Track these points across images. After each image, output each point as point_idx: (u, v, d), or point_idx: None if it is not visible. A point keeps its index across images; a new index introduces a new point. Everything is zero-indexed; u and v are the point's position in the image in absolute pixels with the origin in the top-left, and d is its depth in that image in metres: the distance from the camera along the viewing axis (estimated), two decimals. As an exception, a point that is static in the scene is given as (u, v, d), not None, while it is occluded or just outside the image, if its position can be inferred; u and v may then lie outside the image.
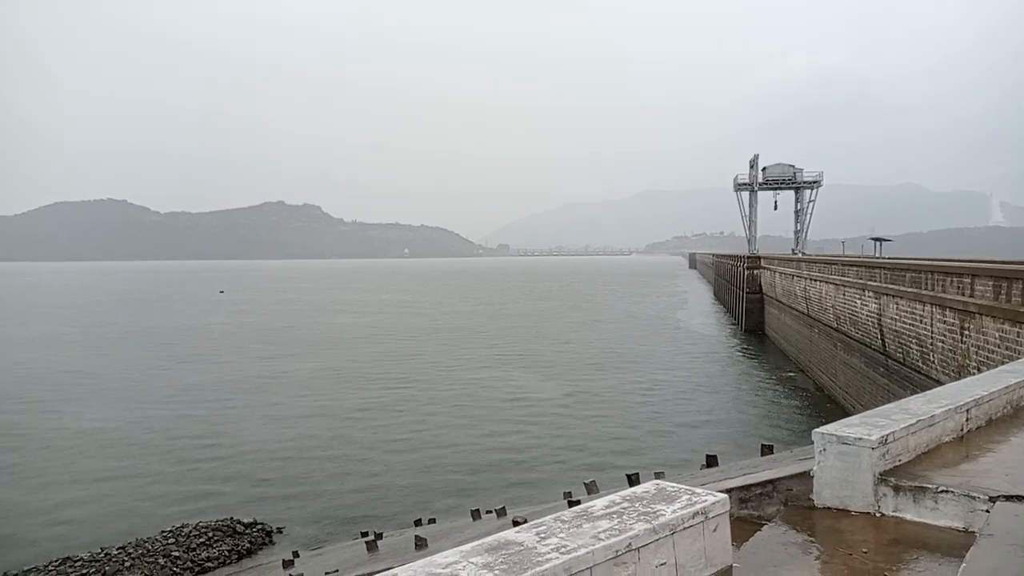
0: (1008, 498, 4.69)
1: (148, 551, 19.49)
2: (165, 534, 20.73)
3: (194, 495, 24.93)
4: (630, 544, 3.38)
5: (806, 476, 5.54)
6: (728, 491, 4.97)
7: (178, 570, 18.78)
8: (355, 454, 29.45)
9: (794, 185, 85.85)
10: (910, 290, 25.67)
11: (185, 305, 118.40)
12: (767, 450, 16.38)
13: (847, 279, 35.30)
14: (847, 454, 5.15)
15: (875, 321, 30.22)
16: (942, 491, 4.86)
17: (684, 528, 3.68)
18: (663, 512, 3.68)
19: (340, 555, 17.85)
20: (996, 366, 14.24)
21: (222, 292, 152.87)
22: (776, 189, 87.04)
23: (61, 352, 60.87)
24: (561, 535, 3.37)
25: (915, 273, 25.41)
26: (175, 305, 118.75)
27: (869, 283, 31.25)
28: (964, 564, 3.82)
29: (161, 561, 18.97)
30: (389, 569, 3.04)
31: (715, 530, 3.88)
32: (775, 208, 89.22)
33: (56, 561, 19.17)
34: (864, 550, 4.46)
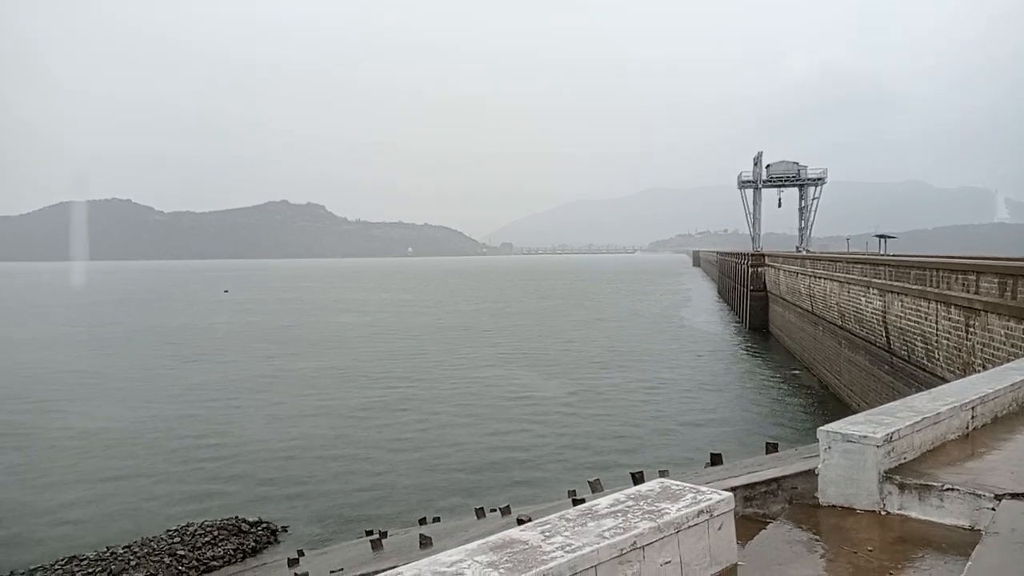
0: (1014, 496, 4.68)
1: (154, 550, 19.55)
2: (171, 533, 20.80)
3: (199, 494, 25.00)
4: (635, 542, 3.37)
5: (811, 474, 5.53)
6: (733, 489, 4.97)
7: (184, 569, 18.83)
8: (359, 453, 29.50)
9: (798, 182, 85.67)
10: (915, 287, 25.59)
11: (189, 305, 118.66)
12: (772, 448, 16.36)
13: (852, 276, 35.21)
14: (852, 452, 5.14)
15: (880, 318, 30.14)
16: (947, 489, 4.85)
17: (689, 526, 3.68)
18: (668, 511, 3.68)
19: (345, 553, 17.88)
20: (1002, 363, 14.20)
21: (226, 291, 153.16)
22: (780, 186, 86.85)
23: (67, 352, 61.06)
24: (566, 534, 3.37)
25: (920, 270, 25.33)
26: (179, 305, 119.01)
27: (874, 280, 31.17)
28: (970, 562, 3.81)
29: (167, 560, 19.02)
30: (394, 567, 3.04)
31: (720, 528, 3.88)
32: (779, 205, 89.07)
33: (62, 560, 19.25)
34: (869, 548, 4.45)
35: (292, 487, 25.54)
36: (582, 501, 13.15)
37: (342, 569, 15.59)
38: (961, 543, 4.41)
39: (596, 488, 16.96)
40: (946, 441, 6.01)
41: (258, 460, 28.68)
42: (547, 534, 3.37)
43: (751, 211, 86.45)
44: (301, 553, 19.01)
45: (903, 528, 4.79)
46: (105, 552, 19.50)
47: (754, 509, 5.93)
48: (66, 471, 27.74)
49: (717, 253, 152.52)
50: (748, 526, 5.15)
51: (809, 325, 47.13)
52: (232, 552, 20.04)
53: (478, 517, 18.14)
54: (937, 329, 23.25)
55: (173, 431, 33.36)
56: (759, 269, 69.48)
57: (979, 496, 4.73)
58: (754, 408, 36.84)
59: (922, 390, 7.96)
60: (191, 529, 21.03)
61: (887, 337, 29.16)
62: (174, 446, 30.87)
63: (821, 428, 5.34)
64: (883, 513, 5.01)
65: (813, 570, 4.21)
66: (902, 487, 5.01)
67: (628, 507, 3.75)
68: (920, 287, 25.03)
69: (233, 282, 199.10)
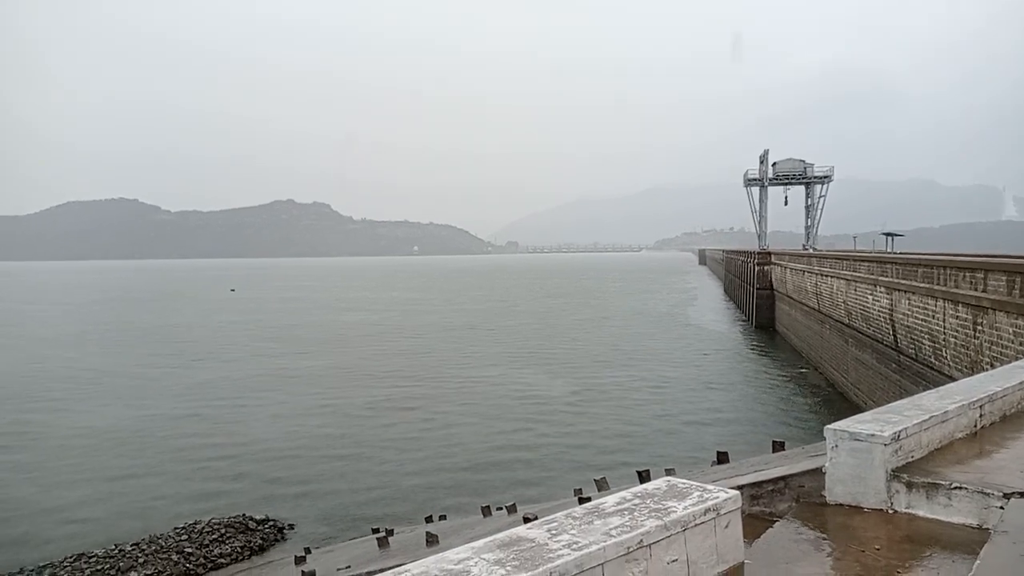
0: (1023, 494, 4.65)
1: (161, 547, 19.65)
2: (178, 531, 20.89)
3: (206, 492, 25.10)
4: (641, 541, 3.37)
5: (818, 473, 5.51)
6: (740, 488, 4.96)
7: (191, 566, 18.92)
8: (365, 451, 29.56)
9: (804, 180, 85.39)
10: (922, 285, 25.48)
11: (196, 303, 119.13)
12: (778, 447, 16.31)
13: (858, 274, 35.08)
14: (859, 450, 5.12)
15: (887, 317, 30.03)
16: (955, 487, 4.83)
17: (696, 525, 3.67)
18: (674, 509, 3.68)
19: (352, 551, 17.93)
20: (1010, 361, 14.12)
21: (232, 290, 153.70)
22: (786, 184, 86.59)
23: (78, 350, 61.39)
24: (572, 532, 3.37)
25: (927, 268, 25.22)
26: (186, 303, 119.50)
27: (881, 278, 31.05)
28: (978, 561, 3.79)
29: (174, 557, 19.12)
30: (401, 565, 3.05)
31: (727, 527, 3.87)
32: (785, 204, 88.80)
33: (71, 557, 19.36)
34: (877, 547, 4.43)
35: (299, 485, 25.63)
36: (588, 499, 13.16)
37: (349, 567, 15.64)
38: (969, 542, 4.39)
39: (602, 486, 16.96)
40: (954, 439, 5.98)
41: (265, 458, 28.78)
42: (554, 532, 3.37)
43: (757, 209, 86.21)
44: (308, 551, 19.07)
45: (911, 527, 4.77)
46: (113, 549, 19.61)
47: (761, 508, 5.92)
48: (74, 469, 27.89)
49: (723, 251, 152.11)
50: (755, 524, 5.15)
51: (816, 323, 46.98)
52: (239, 550, 20.13)
53: (484, 515, 18.16)
54: (945, 327, 23.14)
55: (181, 429, 33.50)
56: (765, 267, 69.29)
57: (987, 495, 4.71)
58: (760, 407, 36.75)
59: (930, 388, 7.93)
60: (199, 527, 21.12)
61: (894, 335, 29.04)
62: (181, 444, 31.01)
63: (828, 426, 5.32)
64: (891, 512, 5.00)
65: (820, 569, 4.20)
66: (910, 486, 4.99)
67: (635, 505, 3.74)
68: (927, 285, 24.92)
69: (240, 281, 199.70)
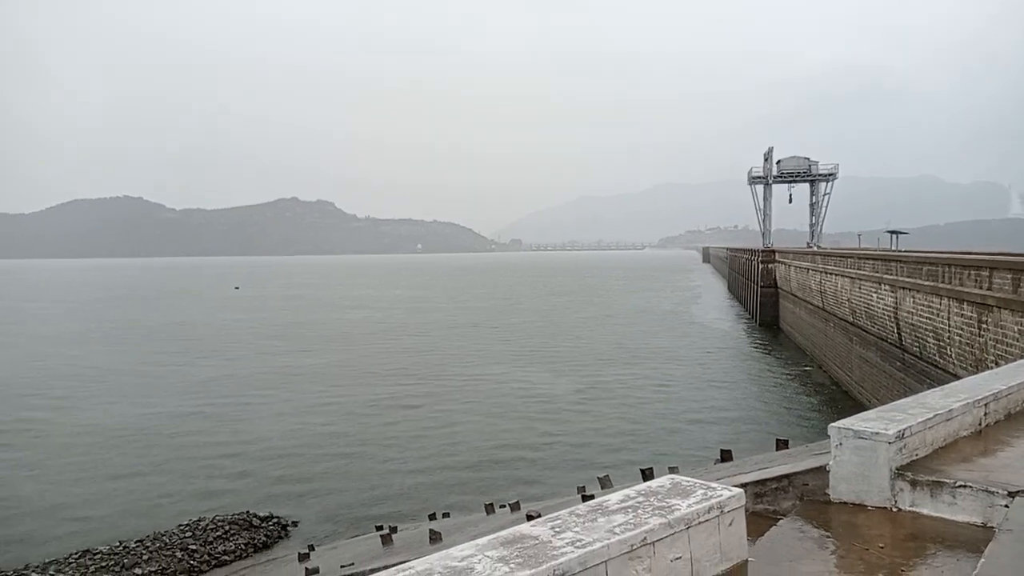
0: (1028, 493, 4.64)
1: (166, 544, 19.73)
2: (182, 527, 20.97)
3: (210, 490, 25.18)
4: (645, 538, 3.37)
5: (822, 471, 5.50)
6: (743, 485, 4.95)
7: (195, 563, 18.99)
8: (369, 449, 29.61)
9: (809, 178, 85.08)
10: (927, 283, 25.40)
11: (201, 301, 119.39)
12: (782, 445, 16.27)
13: (863, 272, 34.99)
14: (864, 448, 5.11)
15: (891, 315, 29.95)
16: (960, 486, 4.82)
17: (699, 523, 3.67)
18: (678, 507, 3.67)
19: (355, 548, 17.96)
20: (1015, 360, 14.08)
21: (237, 288, 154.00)
22: (791, 182, 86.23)
23: (81, 347, 61.59)
24: (576, 529, 3.37)
25: (932, 266, 25.14)
26: (191, 301, 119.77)
27: (885, 276, 30.97)
28: (983, 559, 3.78)
29: (178, 554, 19.19)
30: (405, 562, 3.05)
31: (731, 524, 3.87)
32: (790, 201, 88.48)
33: (76, 554, 19.44)
34: (881, 545, 4.42)
35: (302, 483, 25.69)
36: (592, 497, 13.15)
37: (352, 564, 15.67)
38: (973, 540, 4.38)
39: (606, 484, 16.96)
40: (959, 438, 5.97)
41: (269, 456, 28.85)
42: (557, 529, 3.37)
43: (761, 207, 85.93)
44: (311, 548, 19.11)
45: (915, 525, 4.76)
46: (118, 546, 19.69)
47: (765, 505, 5.91)
48: (79, 467, 28.00)
49: (727, 249, 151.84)
50: (759, 522, 5.14)
51: (820, 321, 46.89)
52: (243, 546, 20.19)
53: (487, 513, 18.17)
54: (949, 325, 23.08)
55: (185, 427, 33.60)
56: (770, 265, 69.17)
57: (992, 493, 4.70)
58: (764, 405, 36.71)
59: (934, 387, 7.92)
60: (202, 524, 21.20)
61: (899, 333, 28.97)
62: (186, 442, 31.10)
63: (832, 424, 5.31)
64: (895, 510, 4.99)
65: (824, 567, 4.20)
66: (914, 484, 4.98)
67: (638, 503, 3.74)
68: (932, 283, 24.85)
69: (244, 279, 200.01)
